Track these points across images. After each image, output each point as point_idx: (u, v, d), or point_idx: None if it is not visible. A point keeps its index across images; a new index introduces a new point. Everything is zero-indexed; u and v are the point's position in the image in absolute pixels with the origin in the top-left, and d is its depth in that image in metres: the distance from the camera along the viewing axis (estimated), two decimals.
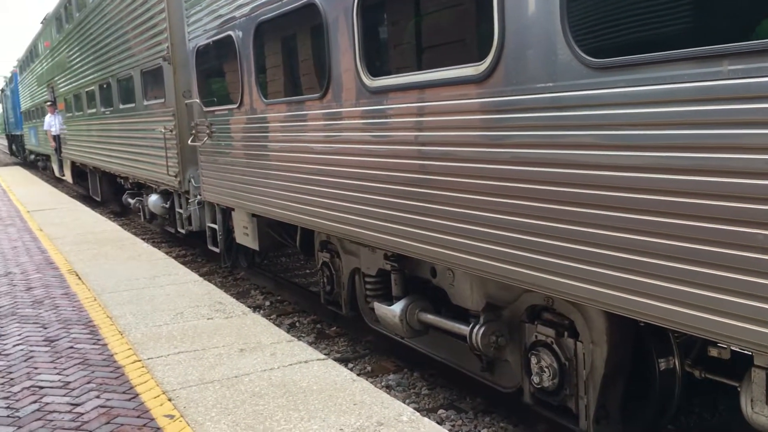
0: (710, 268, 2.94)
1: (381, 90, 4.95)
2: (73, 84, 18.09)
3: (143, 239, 12.11)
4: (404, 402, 5.28)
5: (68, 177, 21.10)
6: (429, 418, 4.22)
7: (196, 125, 8.84)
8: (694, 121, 2.91)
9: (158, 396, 4.37)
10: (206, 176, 8.92)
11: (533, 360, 4.40)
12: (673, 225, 3.06)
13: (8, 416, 4.17)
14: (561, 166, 3.57)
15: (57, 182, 24.54)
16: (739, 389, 3.43)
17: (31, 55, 28.28)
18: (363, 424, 3.82)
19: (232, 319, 6.02)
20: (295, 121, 6.25)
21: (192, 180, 9.94)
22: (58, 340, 5.61)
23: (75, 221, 12.82)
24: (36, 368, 4.98)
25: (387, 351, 6.68)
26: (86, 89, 16.40)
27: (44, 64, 23.91)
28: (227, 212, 8.99)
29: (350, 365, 6.46)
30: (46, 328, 5.94)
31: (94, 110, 15.84)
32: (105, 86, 14.44)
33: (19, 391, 4.55)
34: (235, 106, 7.55)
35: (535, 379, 4.39)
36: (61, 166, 21.97)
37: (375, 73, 5.05)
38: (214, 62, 8.29)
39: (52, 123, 21.05)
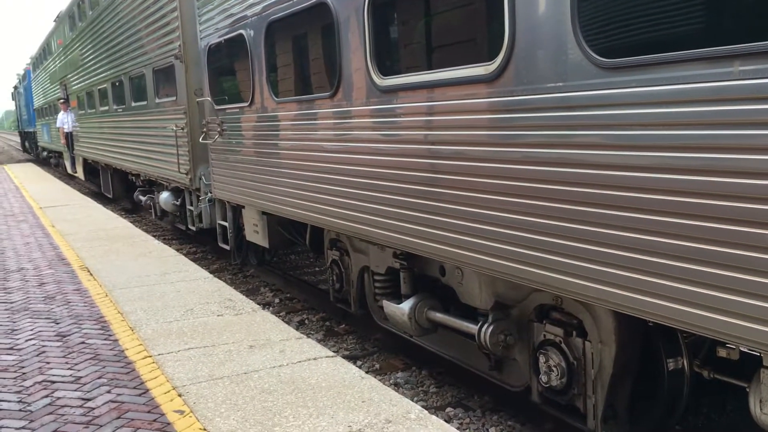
0: (720, 268, 2.94)
1: (391, 89, 4.97)
2: (86, 81, 18.20)
3: (154, 236, 12.18)
4: (412, 400, 5.30)
5: (80, 174, 21.23)
6: (437, 416, 4.22)
7: (207, 123, 8.88)
8: (704, 122, 2.91)
9: (168, 391, 4.40)
10: (217, 174, 8.97)
11: (541, 359, 4.40)
12: (682, 225, 3.06)
13: (20, 410, 4.22)
14: (571, 165, 3.58)
15: (69, 179, 24.69)
16: (747, 390, 3.42)
17: (44, 53, 28.46)
18: (371, 421, 3.84)
19: (242, 316, 6.05)
20: (306, 119, 6.28)
21: (203, 177, 9.99)
22: (69, 335, 5.66)
23: (87, 218, 12.91)
24: (48, 363, 5.03)
25: (395, 349, 6.70)
26: (99, 87, 16.49)
27: (57, 62, 24.05)
28: (237, 210, 9.03)
29: (359, 363, 6.48)
30: (58, 324, 5.99)
31: (106, 108, 15.93)
32: (117, 84, 14.53)
33: (31, 386, 4.60)
34: (246, 104, 7.59)
35: (543, 378, 4.39)
36: (73, 163, 22.09)
37: (385, 72, 5.06)
38: (226, 61, 8.33)
39: (64, 120, 21.18)
